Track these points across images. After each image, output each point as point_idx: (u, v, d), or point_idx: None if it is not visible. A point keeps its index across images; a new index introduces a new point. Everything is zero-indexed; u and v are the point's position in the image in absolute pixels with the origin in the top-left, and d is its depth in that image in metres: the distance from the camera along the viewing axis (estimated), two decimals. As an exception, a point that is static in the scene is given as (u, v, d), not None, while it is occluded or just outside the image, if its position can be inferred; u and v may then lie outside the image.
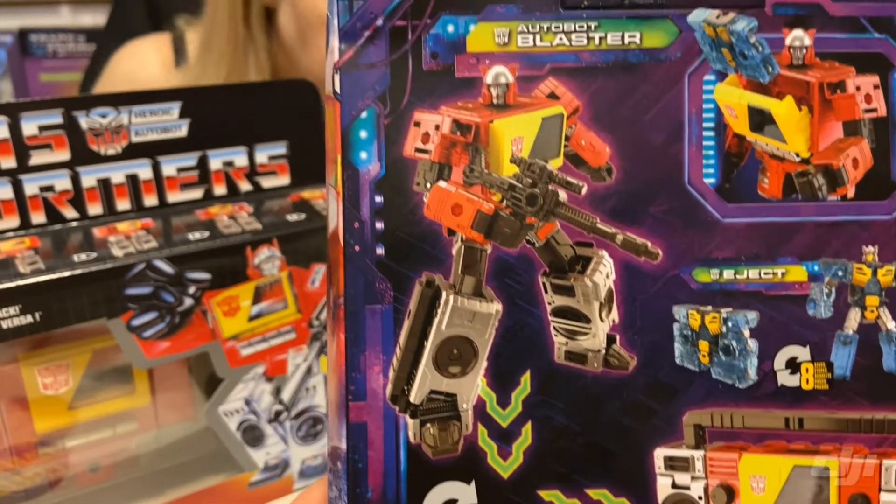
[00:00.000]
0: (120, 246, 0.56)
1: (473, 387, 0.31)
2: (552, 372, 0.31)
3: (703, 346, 0.31)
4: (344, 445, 0.30)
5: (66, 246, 0.57)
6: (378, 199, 0.30)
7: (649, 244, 0.31)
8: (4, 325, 0.50)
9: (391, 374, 0.30)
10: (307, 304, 0.59)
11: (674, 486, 0.31)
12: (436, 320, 0.31)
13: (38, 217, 0.59)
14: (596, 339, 0.31)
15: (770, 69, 0.30)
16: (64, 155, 0.60)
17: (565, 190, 0.31)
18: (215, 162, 0.64)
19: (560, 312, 0.31)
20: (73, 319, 0.52)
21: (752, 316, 0.31)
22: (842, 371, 0.31)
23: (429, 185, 0.30)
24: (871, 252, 0.31)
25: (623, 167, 0.31)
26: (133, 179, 0.62)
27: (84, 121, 0.60)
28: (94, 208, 0.61)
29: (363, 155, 0.30)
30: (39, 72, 1.72)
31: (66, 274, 0.51)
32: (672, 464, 0.31)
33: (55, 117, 0.59)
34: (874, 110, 0.31)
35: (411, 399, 0.31)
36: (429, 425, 0.30)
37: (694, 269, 0.31)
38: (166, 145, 0.62)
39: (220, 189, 0.64)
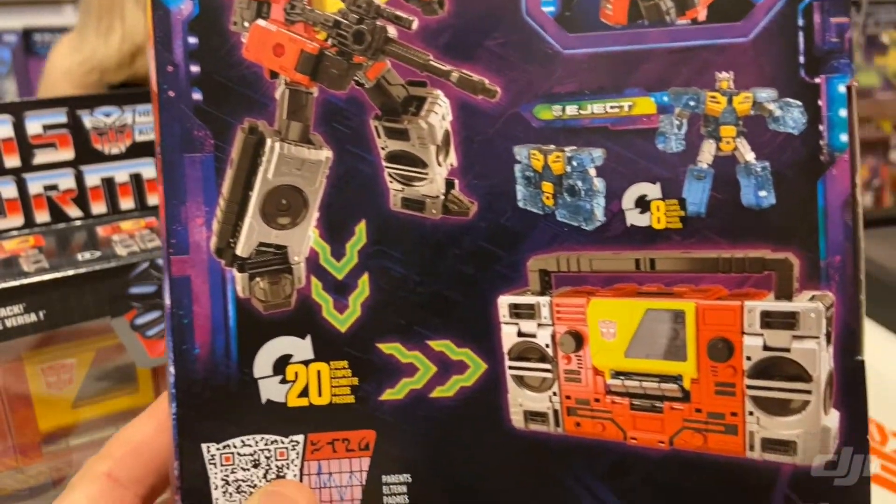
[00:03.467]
0: (124, 245, 0.57)
1: (305, 238, 0.29)
2: (388, 220, 0.29)
3: (547, 187, 0.29)
4: (168, 301, 0.29)
5: (69, 245, 0.58)
6: (192, 40, 0.28)
7: (486, 81, 0.29)
8: (8, 323, 0.50)
9: (215, 226, 0.29)
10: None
11: (519, 334, 0.30)
12: (261, 169, 0.29)
13: (42, 216, 0.60)
14: (433, 185, 0.29)
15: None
16: (68, 154, 0.61)
17: (395, 25, 0.29)
18: (219, 161, 0.65)
19: (394, 157, 0.29)
20: (76, 318, 0.53)
21: (598, 153, 0.29)
22: (696, 208, 0.29)
23: (247, 24, 0.29)
24: (725, 79, 0.29)
25: None
26: (137, 178, 0.63)
27: (88, 120, 0.61)
28: (98, 207, 0.62)
29: None
30: (43, 71, 1.72)
31: (70, 273, 0.52)
32: (517, 311, 0.29)
33: (59, 116, 0.60)
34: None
35: (238, 252, 0.29)
36: (258, 279, 0.29)
37: (535, 105, 0.29)
38: (169, 144, 0.63)
39: (223, 188, 0.65)
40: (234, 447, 0.29)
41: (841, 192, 0.28)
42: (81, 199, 0.61)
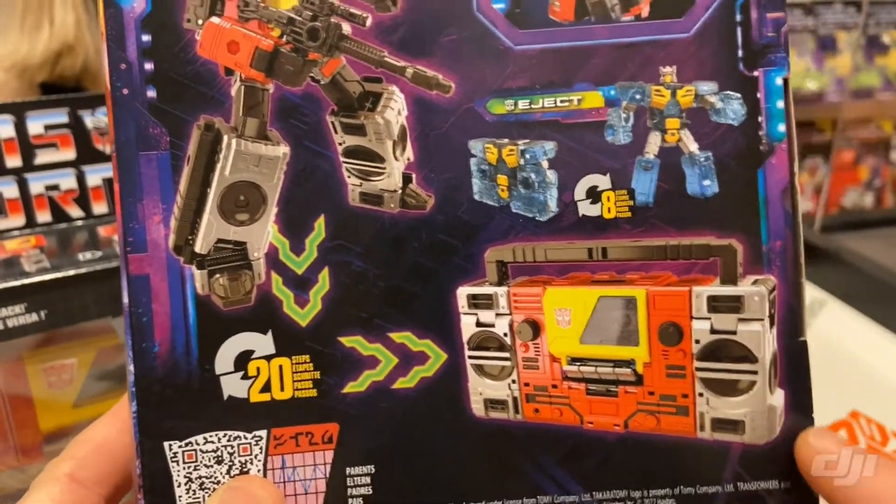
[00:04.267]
0: None
1: (264, 234, 0.29)
2: (347, 215, 0.30)
3: (502, 179, 0.30)
4: (126, 300, 0.29)
5: (71, 244, 0.58)
6: (145, 37, 0.28)
7: (441, 77, 0.29)
8: (10, 323, 0.50)
9: (173, 223, 0.29)
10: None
11: (478, 324, 0.30)
12: (218, 166, 0.29)
13: (43, 216, 0.61)
14: (391, 179, 0.30)
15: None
16: (69, 154, 0.61)
17: (349, 22, 0.29)
18: (219, 160, 0.65)
19: (352, 153, 0.30)
20: (77, 318, 0.53)
21: (550, 146, 0.30)
22: (644, 197, 0.30)
23: (200, 22, 0.29)
24: (668, 73, 0.30)
25: None
26: None
27: (89, 120, 0.61)
28: (99, 207, 0.62)
29: None
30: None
31: (72, 272, 0.52)
32: (475, 302, 0.30)
33: (61, 116, 0.60)
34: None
35: (197, 249, 0.29)
36: (218, 275, 0.29)
37: (488, 100, 0.30)
38: (170, 144, 0.63)
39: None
40: (197, 444, 0.29)
41: (780, 180, 0.30)
42: (83, 199, 0.61)
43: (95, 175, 0.62)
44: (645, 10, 0.30)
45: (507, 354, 0.30)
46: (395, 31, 0.29)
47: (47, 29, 0.86)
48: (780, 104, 0.30)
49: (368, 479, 0.30)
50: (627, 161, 0.30)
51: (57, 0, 0.86)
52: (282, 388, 0.29)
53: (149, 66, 0.28)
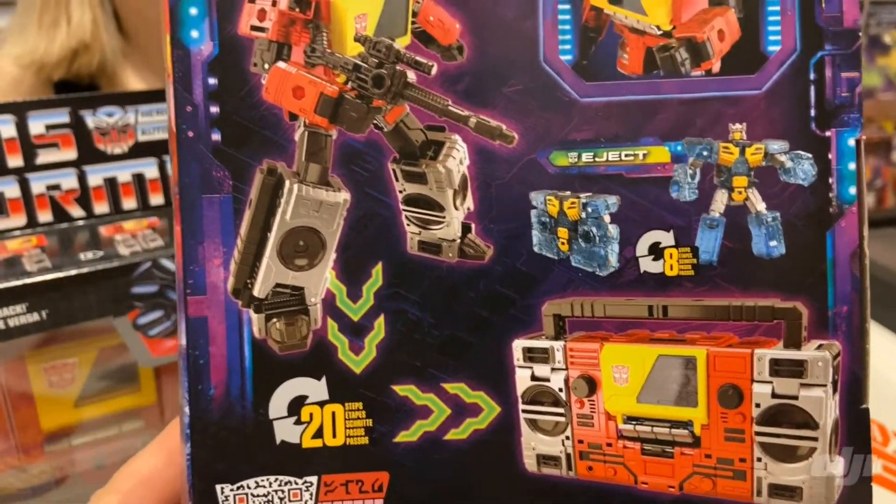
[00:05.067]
0: (126, 244, 0.57)
1: (322, 280, 0.29)
2: (405, 263, 0.29)
3: (562, 232, 0.30)
4: (184, 341, 0.29)
5: (72, 244, 0.58)
6: (212, 80, 0.29)
7: (504, 127, 0.29)
8: (11, 322, 0.50)
9: (233, 266, 0.29)
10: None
11: (533, 377, 0.30)
12: (279, 210, 0.29)
13: (44, 215, 0.61)
14: (450, 228, 0.30)
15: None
16: (71, 154, 0.61)
17: (414, 70, 0.29)
18: (221, 160, 0.65)
19: (412, 201, 0.30)
20: (79, 318, 0.53)
21: (613, 200, 0.29)
22: (708, 256, 0.29)
23: (267, 66, 0.29)
24: (738, 130, 0.29)
25: (474, 45, 0.29)
26: (139, 178, 0.63)
27: (91, 120, 0.61)
28: (101, 207, 0.62)
29: (194, 34, 0.28)
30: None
31: (73, 272, 0.52)
32: (531, 355, 0.30)
33: (62, 116, 0.60)
34: (739, -23, 0.29)
35: (255, 293, 0.29)
36: (275, 320, 0.29)
37: (551, 152, 0.29)
38: (172, 144, 0.64)
39: (225, 188, 0.65)
40: (248, 488, 0.29)
41: (849, 243, 0.29)
42: (84, 198, 0.61)
43: (96, 175, 0.62)
44: (716, 66, 0.29)
45: (561, 410, 0.30)
46: (459, 81, 0.29)
47: (64, 27, 0.86)
48: (852, 166, 0.29)
49: (417, 531, 0.29)
50: (692, 218, 0.29)
51: None
52: (334, 435, 0.29)
53: (214, 109, 0.29)
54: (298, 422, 0.29)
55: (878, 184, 1.56)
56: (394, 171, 0.29)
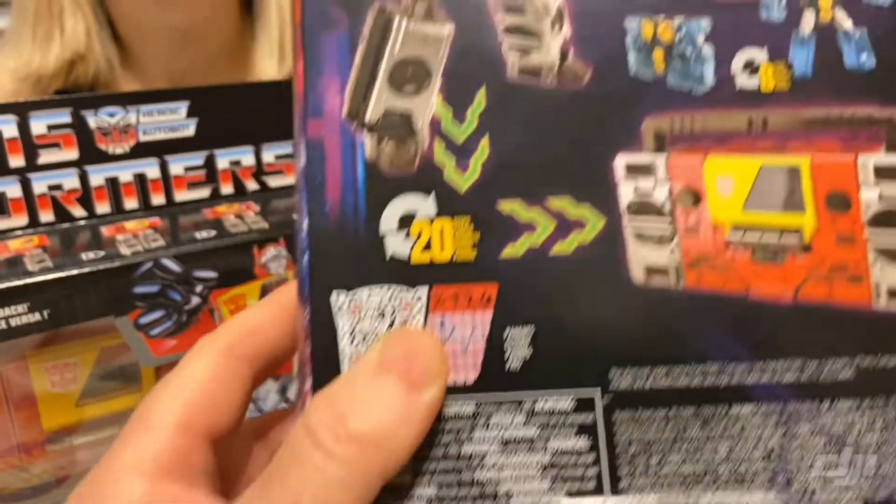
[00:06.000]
0: (128, 244, 0.56)
1: (428, 105, 0.31)
2: (507, 87, 0.31)
3: (657, 54, 0.31)
4: (303, 162, 0.30)
5: (74, 244, 0.58)
6: None
7: None
8: (13, 322, 0.50)
9: (347, 94, 0.31)
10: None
11: (636, 191, 0.30)
12: (388, 44, 0.31)
13: (46, 215, 0.60)
14: (549, 54, 0.31)
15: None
16: (72, 154, 0.60)
17: (511, -83, 0.32)
18: (222, 161, 0.65)
19: (512, 29, 0.31)
20: (80, 317, 0.53)
21: (706, 22, 0.31)
22: (802, 69, 0.30)
23: (379, -83, 0.32)
24: (821, -46, 0.31)
25: None
26: (141, 178, 0.63)
27: (92, 120, 0.60)
28: (102, 207, 0.61)
29: None
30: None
31: (74, 272, 0.52)
32: (634, 169, 0.30)
33: (64, 116, 0.59)
34: None
35: (367, 117, 0.31)
36: (385, 141, 0.31)
37: None
38: (174, 144, 0.63)
39: (227, 188, 0.65)
40: (361, 297, 0.30)
41: None
42: (85, 198, 0.60)
43: (98, 175, 0.61)
44: None
45: (667, 221, 0.30)
46: None
47: (58, 38, 0.86)
48: (937, -22, 0.30)
49: (528, 341, 0.29)
50: (783, 36, 0.30)
51: (67, 8, 0.87)
52: (442, 248, 0.30)
53: (332, -46, 0.31)
54: (408, 236, 0.30)
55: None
56: (494, 1, 0.31)
